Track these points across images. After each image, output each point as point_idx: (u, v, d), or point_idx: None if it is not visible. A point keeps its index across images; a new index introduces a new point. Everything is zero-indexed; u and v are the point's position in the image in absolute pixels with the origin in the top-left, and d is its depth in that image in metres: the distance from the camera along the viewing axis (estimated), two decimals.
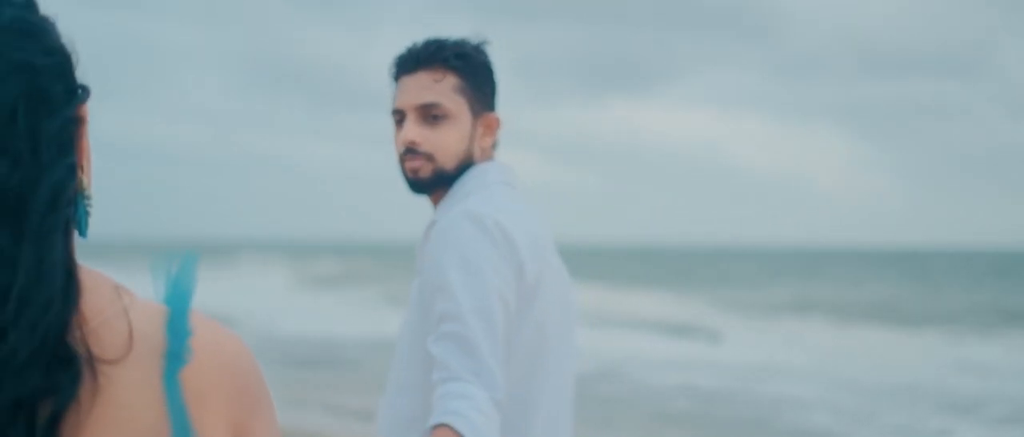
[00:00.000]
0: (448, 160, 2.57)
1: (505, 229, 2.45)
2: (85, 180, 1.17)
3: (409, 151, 2.57)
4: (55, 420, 1.07)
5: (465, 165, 2.59)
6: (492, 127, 2.64)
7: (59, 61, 1.15)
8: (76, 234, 1.16)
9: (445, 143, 2.56)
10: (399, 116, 2.61)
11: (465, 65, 2.59)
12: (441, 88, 2.55)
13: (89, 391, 1.10)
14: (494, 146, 2.67)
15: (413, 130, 2.56)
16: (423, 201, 2.69)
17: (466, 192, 2.55)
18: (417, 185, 2.61)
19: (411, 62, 2.58)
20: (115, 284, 1.17)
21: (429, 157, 2.56)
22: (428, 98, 2.55)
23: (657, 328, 25.00)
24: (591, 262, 63.04)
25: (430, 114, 2.55)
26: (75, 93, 1.16)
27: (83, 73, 1.17)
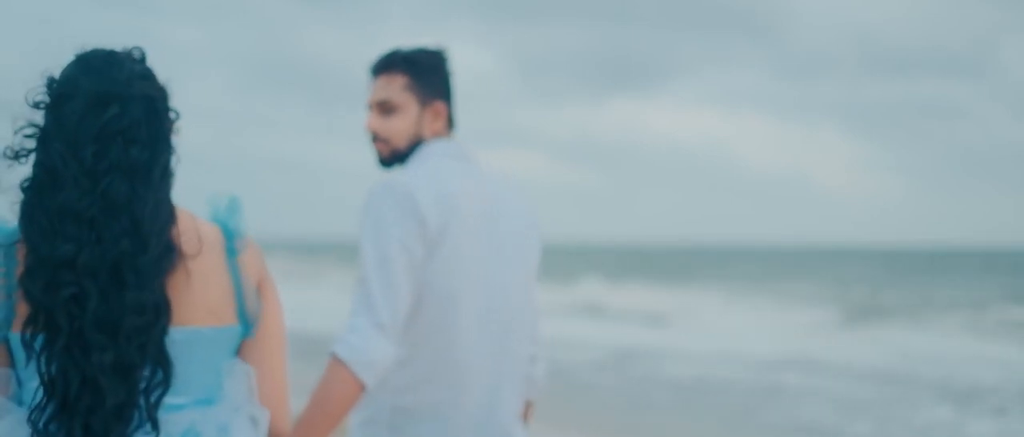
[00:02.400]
0: (400, 142, 3.33)
1: (409, 190, 3.15)
2: (174, 161, 2.20)
3: (372, 137, 3.36)
4: (160, 278, 2.12)
5: (416, 144, 3.34)
6: (440, 113, 3.36)
7: (164, 93, 2.22)
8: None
9: (396, 129, 3.32)
10: (369, 109, 3.37)
11: (412, 67, 3.33)
12: (393, 87, 3.31)
13: (183, 272, 2.18)
14: (450, 126, 3.39)
15: (372, 121, 3.35)
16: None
17: (410, 164, 3.26)
18: (381, 162, 3.37)
19: (374, 68, 3.35)
20: (192, 214, 2.26)
21: (386, 141, 3.33)
22: (381, 96, 3.32)
23: (656, 321, 25.07)
24: (594, 260, 63.05)
25: (385, 108, 3.32)
26: (171, 112, 2.23)
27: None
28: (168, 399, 2.16)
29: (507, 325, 3.30)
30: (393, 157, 3.35)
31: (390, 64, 3.31)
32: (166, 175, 2.19)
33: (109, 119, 2.13)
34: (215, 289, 2.23)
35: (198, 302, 2.20)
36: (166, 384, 2.13)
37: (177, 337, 2.16)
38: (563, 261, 61.12)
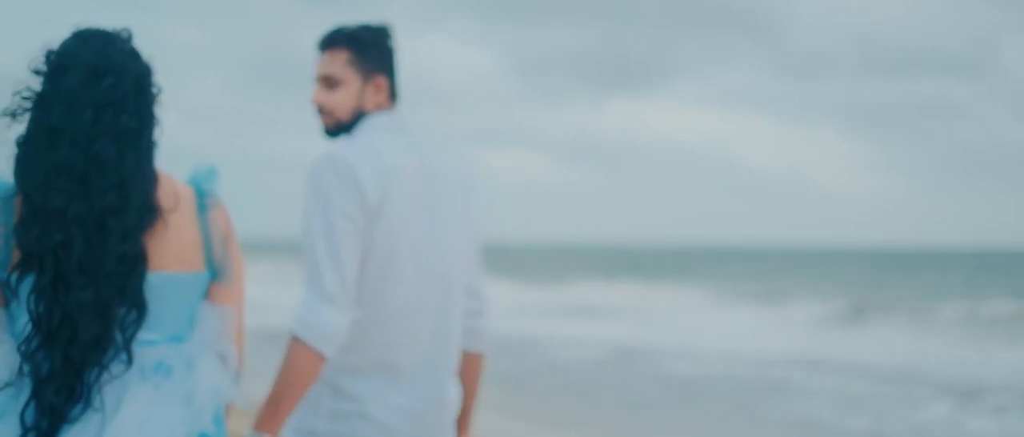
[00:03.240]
0: (343, 114, 3.49)
1: (348, 162, 3.34)
2: (158, 130, 2.53)
3: (318, 109, 3.52)
4: (141, 231, 2.47)
5: (359, 116, 3.51)
6: (381, 87, 3.52)
7: (149, 70, 2.55)
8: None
9: (339, 102, 3.48)
10: (315, 82, 3.53)
11: (354, 43, 3.49)
12: (336, 63, 3.47)
13: (161, 224, 2.51)
14: (393, 99, 3.56)
15: (317, 94, 3.50)
16: None
17: (352, 137, 3.43)
18: (327, 133, 3.54)
19: (320, 44, 3.51)
20: (171, 176, 2.58)
21: (330, 113, 3.49)
22: (326, 71, 3.48)
23: (655, 319, 25.09)
24: (594, 259, 63.08)
25: (329, 82, 3.48)
26: (155, 87, 2.55)
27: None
28: (142, 335, 2.51)
29: (446, 286, 3.50)
30: (338, 128, 3.53)
31: (334, 41, 3.49)
32: (150, 142, 2.53)
33: (105, 89, 2.47)
34: (187, 240, 2.58)
35: (172, 251, 2.55)
36: (140, 322, 2.49)
37: (153, 281, 2.51)
38: (562, 261, 61.10)
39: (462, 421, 3.71)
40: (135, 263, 2.46)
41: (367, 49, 3.52)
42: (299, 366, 3.25)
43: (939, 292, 36.90)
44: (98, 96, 2.46)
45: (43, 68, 2.50)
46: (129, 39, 2.58)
